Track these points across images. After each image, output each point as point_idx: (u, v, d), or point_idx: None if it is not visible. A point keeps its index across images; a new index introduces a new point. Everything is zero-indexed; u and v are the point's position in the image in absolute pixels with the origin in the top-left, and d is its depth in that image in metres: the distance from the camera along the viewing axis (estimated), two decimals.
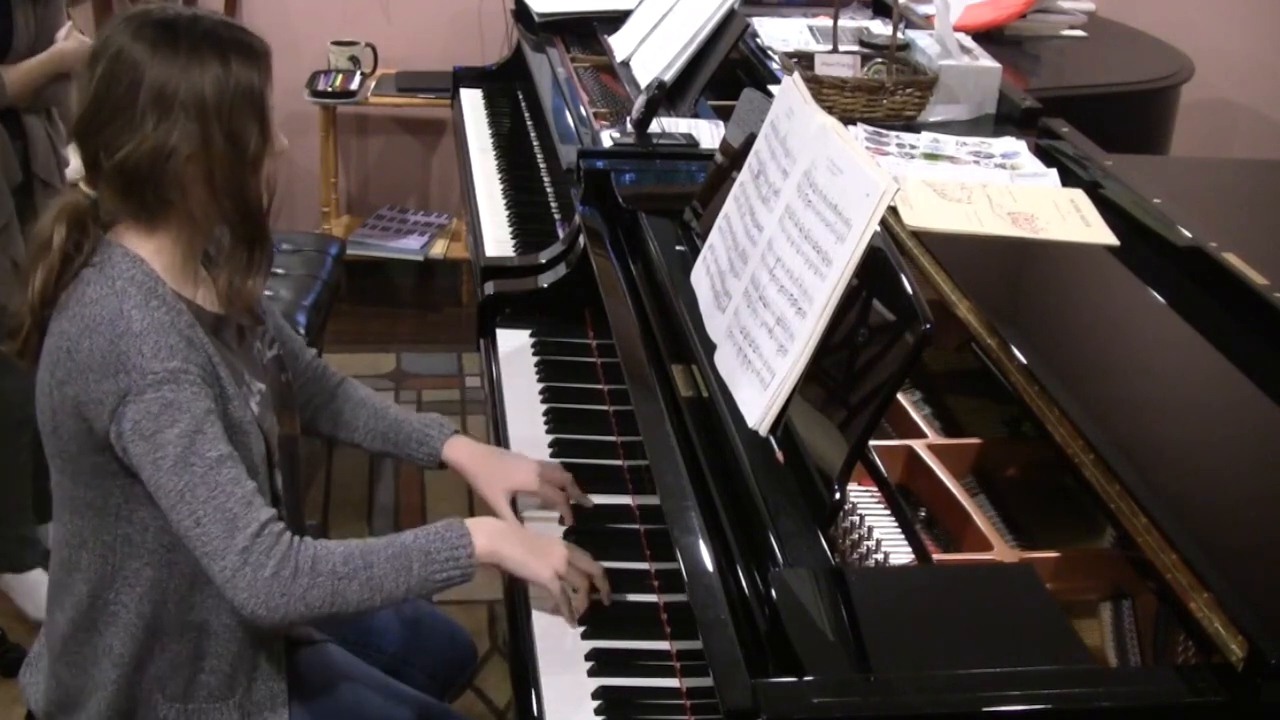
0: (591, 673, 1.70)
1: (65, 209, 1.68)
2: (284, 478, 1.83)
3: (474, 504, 3.34)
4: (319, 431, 2.06)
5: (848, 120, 2.48)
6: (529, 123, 3.34)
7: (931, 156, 2.40)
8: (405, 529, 1.73)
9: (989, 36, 3.15)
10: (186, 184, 1.65)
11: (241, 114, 1.64)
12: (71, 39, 2.82)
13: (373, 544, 1.69)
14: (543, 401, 2.24)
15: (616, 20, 3.17)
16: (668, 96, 2.62)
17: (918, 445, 1.78)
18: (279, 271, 3.36)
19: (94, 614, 1.74)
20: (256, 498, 1.63)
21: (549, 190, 3.03)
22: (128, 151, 1.62)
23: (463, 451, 2.02)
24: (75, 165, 4.15)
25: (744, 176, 1.94)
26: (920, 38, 2.76)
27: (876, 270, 1.58)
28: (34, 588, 2.91)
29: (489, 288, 2.47)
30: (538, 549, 1.77)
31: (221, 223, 1.72)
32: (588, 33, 3.27)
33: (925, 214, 2.09)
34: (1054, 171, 2.33)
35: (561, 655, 1.73)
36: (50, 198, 2.81)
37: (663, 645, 1.74)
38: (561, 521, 1.96)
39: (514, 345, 2.40)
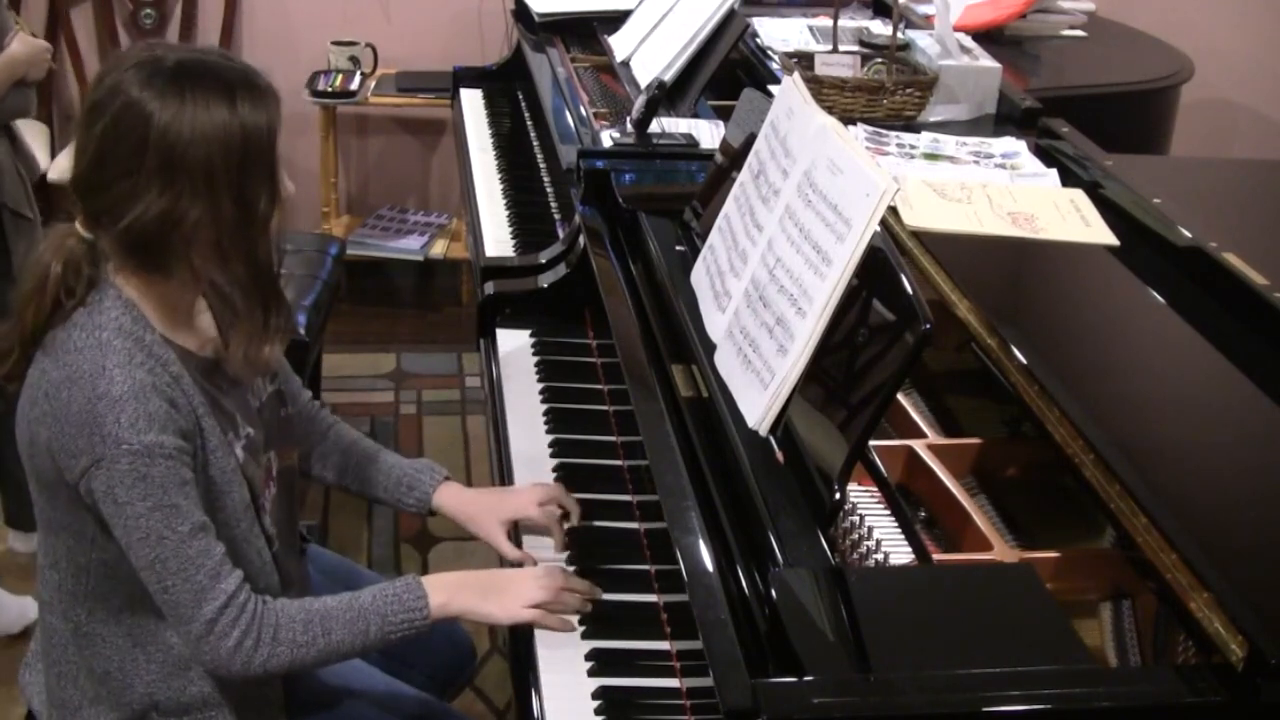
0: (591, 673, 1.70)
1: (61, 250, 1.63)
2: (281, 511, 1.83)
3: None
4: (308, 474, 2.03)
5: (848, 120, 2.48)
6: (529, 123, 3.34)
7: (931, 156, 2.40)
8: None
9: (989, 36, 3.15)
10: (193, 248, 1.61)
11: (250, 174, 1.60)
12: (21, 42, 2.71)
13: (332, 608, 1.70)
14: (543, 401, 2.24)
15: (616, 20, 3.17)
16: (668, 96, 2.62)
17: (918, 445, 1.78)
18: (279, 272, 3.35)
19: (73, 634, 1.73)
20: (225, 565, 1.63)
21: (549, 190, 3.04)
22: (134, 217, 1.57)
23: (453, 497, 1.99)
24: (65, 166, 4.13)
25: (744, 176, 1.94)
26: (920, 38, 2.76)
27: (876, 270, 1.58)
28: None
29: (489, 288, 2.47)
30: (499, 590, 1.76)
31: (229, 283, 1.69)
32: (588, 33, 3.27)
33: (925, 214, 2.09)
34: (1054, 171, 2.33)
35: (561, 655, 1.73)
36: (22, 228, 2.73)
37: (663, 645, 1.74)
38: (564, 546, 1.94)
39: (514, 345, 2.40)
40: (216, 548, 1.63)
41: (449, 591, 1.75)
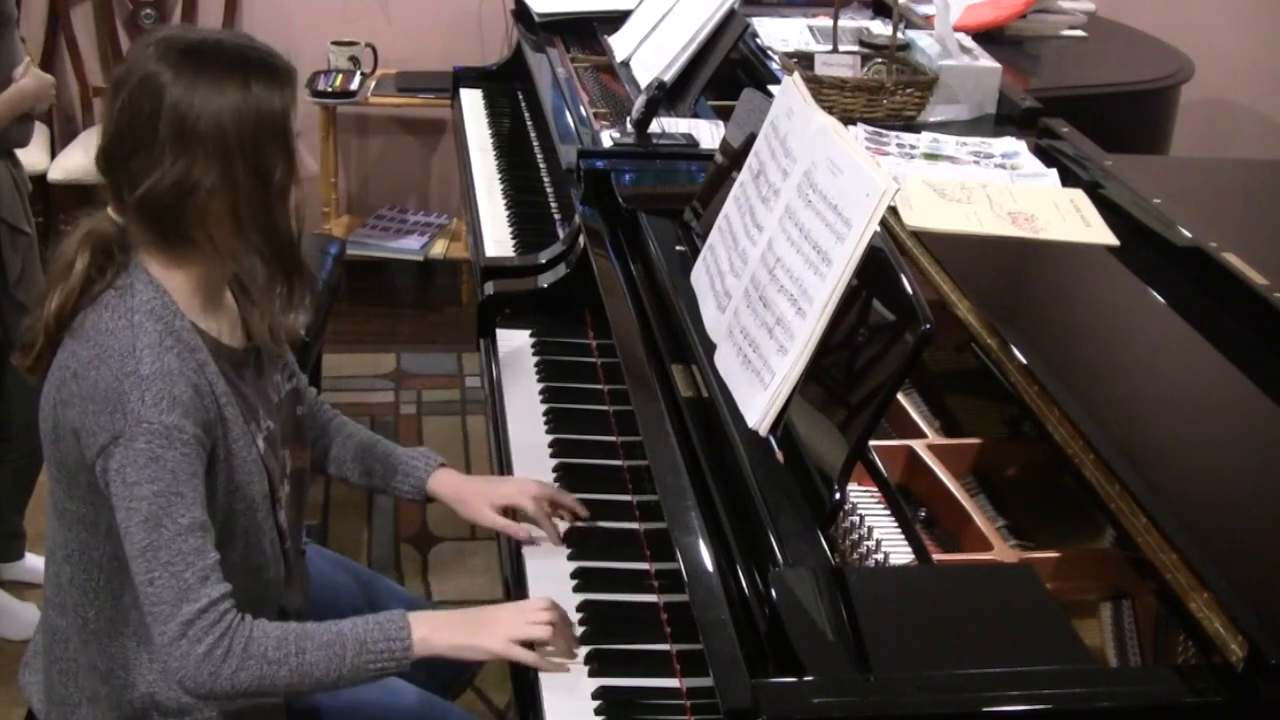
0: (592, 673, 1.70)
1: (91, 234, 1.66)
2: (291, 510, 1.83)
3: None
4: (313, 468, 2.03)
5: (848, 120, 2.48)
6: (529, 123, 3.34)
7: (931, 156, 2.40)
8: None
9: (989, 36, 3.15)
10: (210, 218, 1.63)
11: (265, 144, 1.62)
12: (30, 76, 2.70)
13: (310, 630, 1.66)
14: (543, 402, 2.24)
15: (616, 20, 3.18)
16: (668, 96, 2.62)
17: (918, 445, 1.78)
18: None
19: (79, 631, 1.73)
20: (214, 572, 1.61)
21: (549, 190, 3.04)
22: (149, 186, 1.60)
23: (447, 483, 2.00)
24: (66, 165, 4.13)
25: (744, 176, 1.94)
26: (920, 38, 2.76)
27: (876, 270, 1.58)
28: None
29: (489, 288, 2.47)
30: (482, 627, 1.73)
31: (250, 256, 1.69)
32: (588, 33, 3.27)
33: (925, 214, 2.09)
34: (1054, 171, 2.33)
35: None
36: (19, 243, 2.73)
37: (663, 645, 1.74)
38: (562, 539, 1.94)
39: (514, 345, 2.40)
40: (211, 554, 1.62)
41: (432, 627, 1.71)
